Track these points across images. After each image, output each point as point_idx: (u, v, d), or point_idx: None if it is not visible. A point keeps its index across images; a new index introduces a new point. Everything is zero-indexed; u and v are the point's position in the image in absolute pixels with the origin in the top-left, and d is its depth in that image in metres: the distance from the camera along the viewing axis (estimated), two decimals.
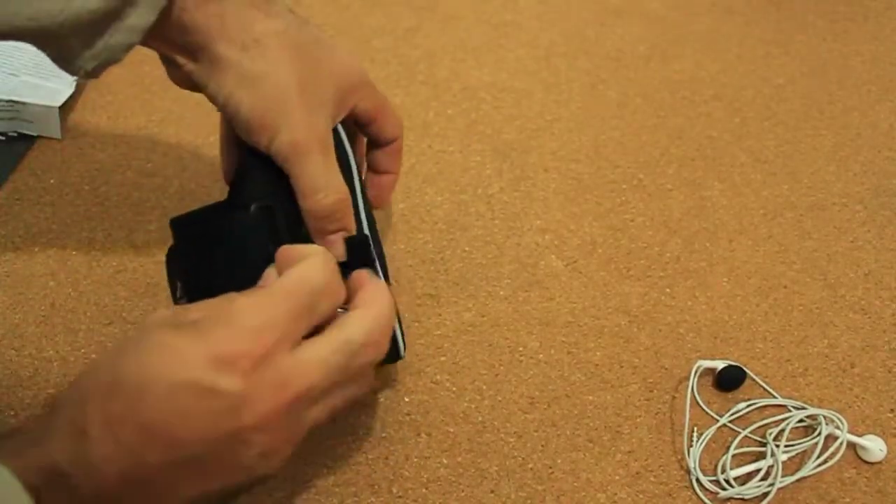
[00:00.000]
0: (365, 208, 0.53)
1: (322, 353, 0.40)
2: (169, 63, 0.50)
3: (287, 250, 0.44)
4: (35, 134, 0.70)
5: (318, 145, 0.48)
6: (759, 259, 0.66)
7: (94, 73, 0.48)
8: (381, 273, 0.51)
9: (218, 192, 0.59)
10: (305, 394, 0.39)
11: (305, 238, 0.49)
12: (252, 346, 0.37)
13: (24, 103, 0.68)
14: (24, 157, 0.68)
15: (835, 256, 0.67)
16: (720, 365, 0.58)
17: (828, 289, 0.64)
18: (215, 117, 0.63)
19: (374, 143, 0.55)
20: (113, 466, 0.36)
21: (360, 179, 0.53)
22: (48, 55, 0.48)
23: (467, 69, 0.80)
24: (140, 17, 0.45)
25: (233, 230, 0.48)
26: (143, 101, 0.74)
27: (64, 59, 0.48)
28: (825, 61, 0.85)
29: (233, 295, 0.40)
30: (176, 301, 0.51)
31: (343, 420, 0.54)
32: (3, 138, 0.69)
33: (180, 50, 0.48)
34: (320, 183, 0.48)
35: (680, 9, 0.89)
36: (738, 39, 0.86)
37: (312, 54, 0.49)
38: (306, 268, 0.42)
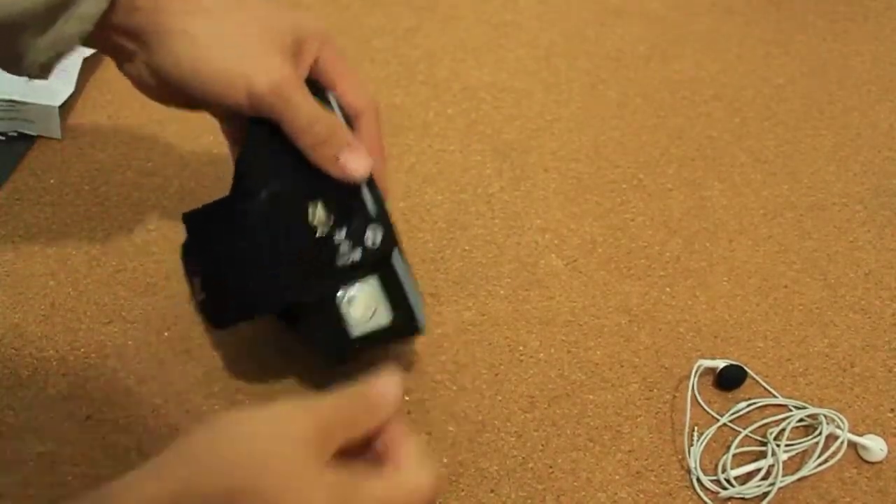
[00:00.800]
0: (371, 193, 0.50)
1: None
2: (124, 59, 0.50)
3: (404, 437, 0.42)
4: (35, 134, 0.70)
5: (295, 83, 0.48)
6: (760, 259, 0.66)
7: (45, 69, 0.48)
8: (401, 260, 0.51)
9: (218, 192, 0.59)
10: None
11: (324, 210, 0.48)
12: None
13: (24, 103, 0.68)
14: (24, 157, 0.68)
15: (835, 256, 0.67)
16: (721, 364, 0.58)
17: (828, 289, 0.64)
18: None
19: (347, 120, 0.53)
20: None
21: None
22: None
23: (467, 69, 0.80)
24: (91, 6, 0.46)
25: (245, 222, 0.48)
26: (143, 101, 0.72)
27: (14, 58, 0.47)
28: (825, 61, 0.85)
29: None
30: (196, 298, 0.51)
31: None
32: (3, 138, 0.69)
33: (131, 37, 0.48)
34: (312, 115, 0.48)
35: (680, 9, 0.89)
36: (738, 39, 0.86)
37: (261, 9, 0.49)
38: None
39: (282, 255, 0.49)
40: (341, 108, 0.52)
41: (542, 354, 0.59)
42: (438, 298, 0.61)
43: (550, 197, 0.69)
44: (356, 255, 0.48)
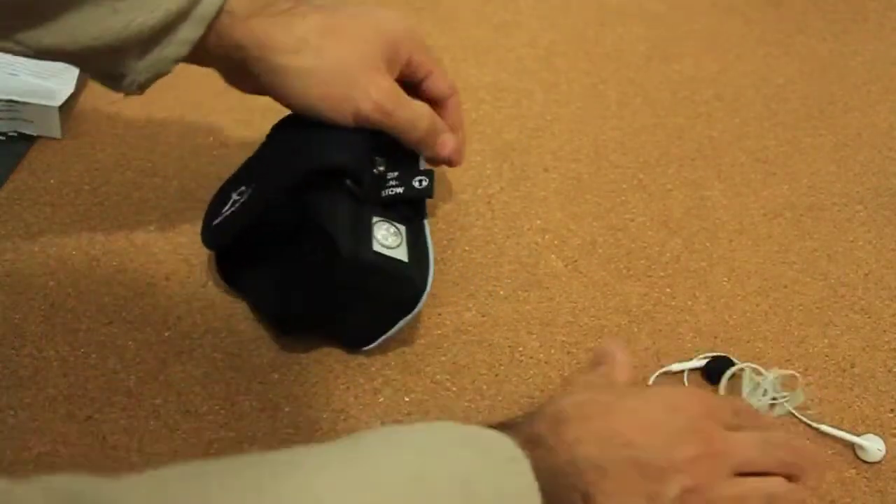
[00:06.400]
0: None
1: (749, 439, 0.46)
2: (222, 73, 0.56)
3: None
4: (35, 134, 0.70)
5: (394, 95, 0.54)
6: (759, 259, 0.66)
7: (143, 87, 0.52)
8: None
9: None
10: (724, 456, 0.45)
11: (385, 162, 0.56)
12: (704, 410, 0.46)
13: (24, 103, 0.68)
14: (24, 157, 0.68)
15: (835, 256, 0.67)
16: (700, 363, 0.58)
17: (828, 289, 0.64)
18: (216, 118, 0.63)
19: (432, 101, 0.58)
20: (583, 449, 0.42)
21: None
22: (96, 74, 0.52)
23: (467, 69, 0.80)
24: (190, 31, 0.50)
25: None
26: (143, 101, 0.73)
27: (116, 77, 0.51)
28: (825, 61, 0.85)
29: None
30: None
31: (343, 420, 0.54)
32: (3, 138, 0.69)
33: (233, 62, 0.53)
34: (414, 118, 0.55)
35: (680, 9, 0.89)
36: (738, 39, 0.86)
37: (354, 28, 0.54)
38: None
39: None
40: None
41: (541, 355, 0.59)
42: (438, 299, 0.61)
43: (550, 197, 0.69)
44: (400, 189, 0.56)
